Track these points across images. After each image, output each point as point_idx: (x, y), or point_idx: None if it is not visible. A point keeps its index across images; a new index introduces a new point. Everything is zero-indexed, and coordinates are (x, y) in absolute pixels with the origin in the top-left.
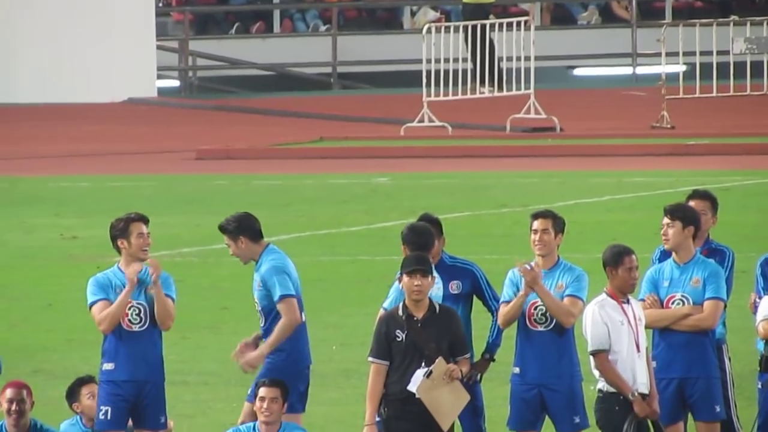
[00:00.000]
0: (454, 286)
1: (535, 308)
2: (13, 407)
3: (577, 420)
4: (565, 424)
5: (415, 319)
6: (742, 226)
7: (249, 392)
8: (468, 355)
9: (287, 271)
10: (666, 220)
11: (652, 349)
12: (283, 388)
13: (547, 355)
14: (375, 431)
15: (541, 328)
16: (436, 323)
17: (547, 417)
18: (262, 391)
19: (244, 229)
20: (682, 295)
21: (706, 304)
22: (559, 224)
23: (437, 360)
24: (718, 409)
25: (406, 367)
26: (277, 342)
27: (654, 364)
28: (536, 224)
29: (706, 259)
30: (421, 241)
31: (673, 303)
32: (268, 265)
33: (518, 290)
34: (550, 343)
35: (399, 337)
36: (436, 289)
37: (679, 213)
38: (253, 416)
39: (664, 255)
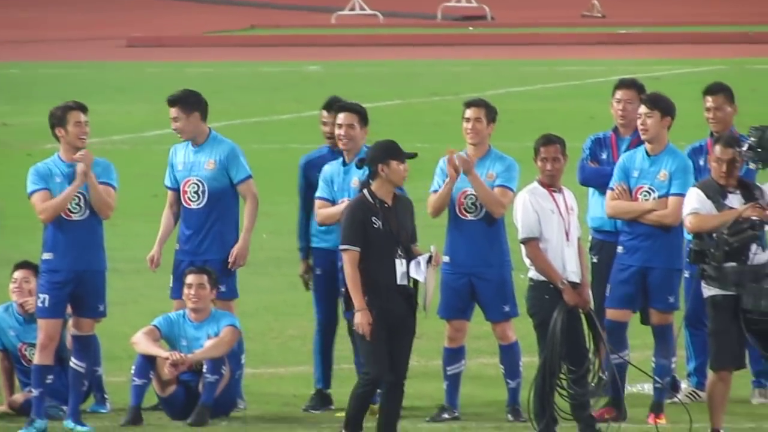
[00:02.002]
0: None
1: (466, 197)
2: None
3: (507, 309)
4: (494, 313)
5: (387, 205)
6: None
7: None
8: (417, 243)
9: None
10: (644, 109)
11: (620, 235)
12: (210, 274)
13: (477, 243)
14: (369, 315)
15: (470, 217)
16: (402, 210)
17: (477, 305)
18: (189, 278)
19: (201, 104)
20: (650, 187)
21: (670, 200)
22: (491, 113)
23: (432, 247)
24: (671, 299)
25: (385, 254)
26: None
27: (620, 248)
28: (468, 113)
29: (678, 151)
30: None
31: (641, 194)
32: (230, 145)
33: None
34: (480, 232)
35: (376, 224)
36: None
37: (660, 103)
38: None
39: (595, 144)
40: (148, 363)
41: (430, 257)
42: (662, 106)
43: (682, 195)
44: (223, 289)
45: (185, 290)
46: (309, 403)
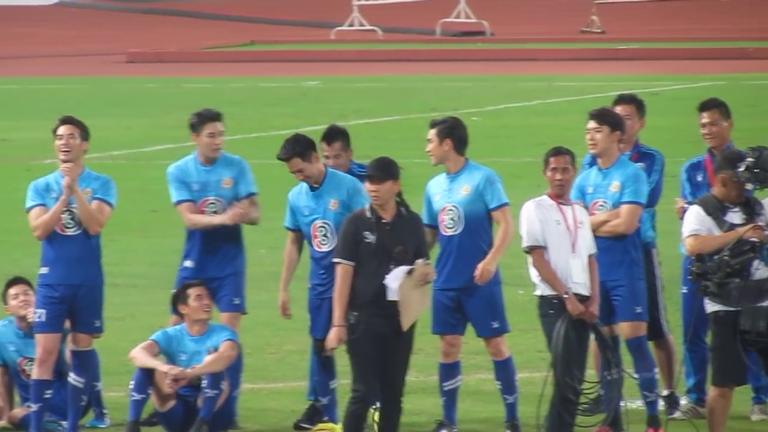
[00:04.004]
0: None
1: (445, 213)
2: None
3: (496, 325)
4: (483, 329)
5: (383, 221)
6: (671, 131)
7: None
8: (428, 260)
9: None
10: (593, 125)
11: None
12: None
13: (462, 259)
14: (344, 333)
15: (451, 233)
16: (404, 226)
17: None
18: (198, 290)
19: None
20: (603, 201)
21: (622, 208)
22: (444, 132)
23: (419, 261)
24: (638, 310)
25: (374, 270)
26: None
27: None
28: (429, 133)
29: (629, 162)
30: None
31: (596, 208)
32: (240, 161)
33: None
34: (465, 247)
35: (368, 239)
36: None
37: (607, 117)
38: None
39: (595, 159)
40: (147, 378)
41: (412, 270)
42: (610, 120)
43: (634, 203)
44: (237, 301)
45: (195, 302)
46: (301, 417)
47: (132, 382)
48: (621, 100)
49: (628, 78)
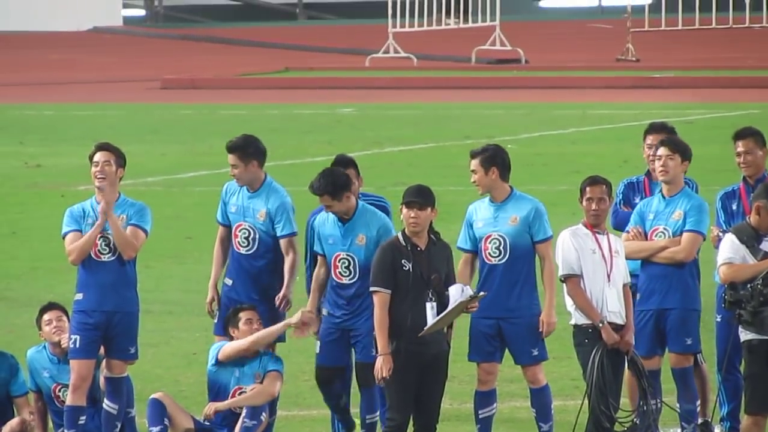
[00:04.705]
0: None
1: (490, 242)
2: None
3: (536, 352)
4: (523, 356)
5: (419, 249)
6: (706, 160)
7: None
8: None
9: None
10: (666, 152)
11: (637, 279)
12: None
13: (504, 287)
14: (391, 361)
15: (495, 261)
16: (437, 254)
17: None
18: (248, 314)
19: (260, 152)
20: (664, 228)
21: (683, 236)
22: (489, 161)
23: (482, 293)
24: (689, 341)
25: (414, 298)
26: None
27: (637, 295)
28: (471, 164)
29: (693, 193)
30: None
31: (656, 235)
32: (281, 198)
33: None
34: (507, 276)
35: (406, 267)
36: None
37: (681, 146)
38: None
39: (628, 188)
40: (160, 410)
41: (473, 297)
42: (683, 149)
43: (695, 232)
44: None
45: (245, 326)
46: None
47: (146, 419)
48: (652, 129)
49: (663, 106)
